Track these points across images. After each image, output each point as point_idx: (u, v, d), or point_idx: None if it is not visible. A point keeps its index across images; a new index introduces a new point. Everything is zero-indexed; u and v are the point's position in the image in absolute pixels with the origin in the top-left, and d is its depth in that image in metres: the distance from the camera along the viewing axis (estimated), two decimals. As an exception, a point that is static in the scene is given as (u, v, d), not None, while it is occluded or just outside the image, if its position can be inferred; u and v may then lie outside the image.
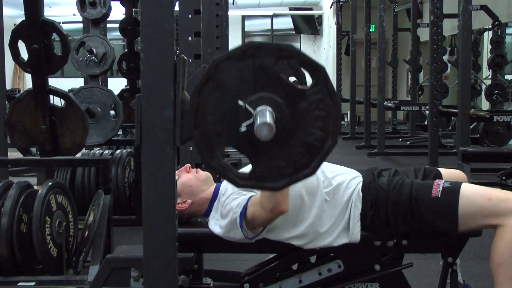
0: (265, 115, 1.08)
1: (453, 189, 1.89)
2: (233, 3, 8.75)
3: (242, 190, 1.90)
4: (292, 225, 1.94)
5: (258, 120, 1.08)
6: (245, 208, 1.84)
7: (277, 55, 1.10)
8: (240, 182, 1.16)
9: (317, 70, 1.11)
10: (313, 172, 1.16)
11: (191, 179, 2.08)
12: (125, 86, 5.38)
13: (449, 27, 9.08)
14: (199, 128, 1.14)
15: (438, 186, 1.92)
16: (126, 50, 4.94)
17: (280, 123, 1.10)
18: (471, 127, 5.78)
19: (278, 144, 1.13)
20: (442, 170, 2.19)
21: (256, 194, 1.88)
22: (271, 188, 1.18)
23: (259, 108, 1.10)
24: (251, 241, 1.91)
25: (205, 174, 2.13)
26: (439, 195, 1.89)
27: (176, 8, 2.65)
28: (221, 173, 1.16)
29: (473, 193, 1.89)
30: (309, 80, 1.16)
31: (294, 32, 14.48)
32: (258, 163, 1.15)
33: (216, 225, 1.97)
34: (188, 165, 2.16)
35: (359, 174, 2.03)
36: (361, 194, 1.95)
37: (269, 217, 1.81)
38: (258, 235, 1.90)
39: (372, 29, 8.63)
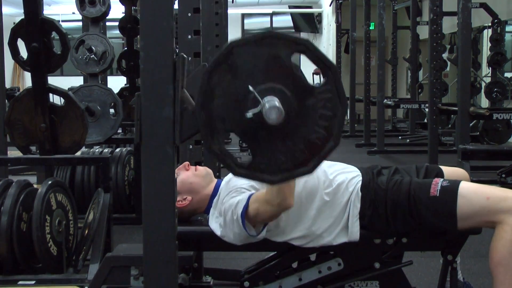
0: (274, 101, 1.09)
1: (451, 188, 1.88)
2: (232, 1, 8.74)
3: (241, 188, 1.89)
4: (292, 227, 1.93)
5: (267, 105, 1.08)
6: (245, 206, 1.81)
7: (293, 48, 1.10)
8: (238, 170, 1.16)
9: (330, 69, 1.11)
10: (311, 170, 1.15)
11: (190, 176, 2.08)
12: (125, 84, 5.36)
13: (449, 25, 9.08)
14: (205, 110, 1.13)
15: (436, 185, 1.90)
16: (126, 48, 4.92)
17: (285, 116, 1.10)
18: (470, 125, 5.77)
19: (281, 137, 1.13)
20: (444, 169, 2.17)
21: (257, 191, 1.86)
22: (268, 181, 1.17)
23: (267, 98, 1.10)
24: (250, 241, 1.87)
25: (204, 170, 2.12)
26: (437, 194, 1.88)
27: (176, 6, 2.64)
28: (221, 158, 1.15)
29: (471, 192, 1.88)
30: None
31: (293, 30, 14.46)
32: (259, 154, 1.15)
33: (216, 223, 1.96)
34: (187, 162, 2.16)
35: (359, 173, 2.03)
36: (360, 193, 1.95)
37: (275, 212, 1.77)
38: (260, 233, 1.85)
39: (371, 27, 8.62)
